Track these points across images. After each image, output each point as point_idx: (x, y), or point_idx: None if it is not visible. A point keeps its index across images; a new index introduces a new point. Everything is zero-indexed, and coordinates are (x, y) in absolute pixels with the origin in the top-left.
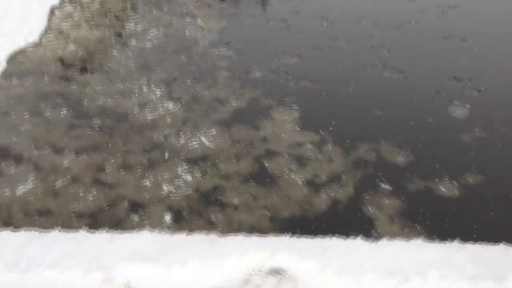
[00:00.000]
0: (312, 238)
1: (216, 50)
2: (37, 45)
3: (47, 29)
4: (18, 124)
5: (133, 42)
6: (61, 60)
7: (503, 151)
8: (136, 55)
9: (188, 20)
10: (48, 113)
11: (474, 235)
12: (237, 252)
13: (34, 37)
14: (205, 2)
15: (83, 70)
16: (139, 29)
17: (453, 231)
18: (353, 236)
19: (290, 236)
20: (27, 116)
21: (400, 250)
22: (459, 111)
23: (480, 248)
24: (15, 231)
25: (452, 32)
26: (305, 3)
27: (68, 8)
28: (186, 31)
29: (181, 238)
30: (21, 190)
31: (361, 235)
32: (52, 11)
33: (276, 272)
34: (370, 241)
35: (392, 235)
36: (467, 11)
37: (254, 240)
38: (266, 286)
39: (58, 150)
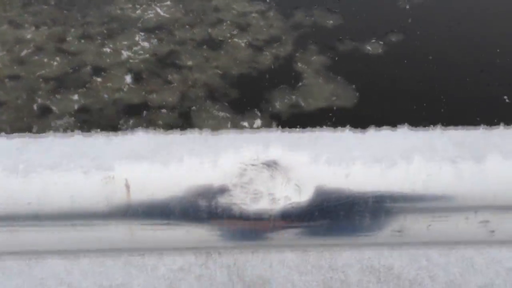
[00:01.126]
0: (302, 131)
1: None
2: None
3: None
4: None
5: None
6: None
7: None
8: None
9: None
10: None
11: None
12: (231, 147)
13: None
14: None
15: None
16: None
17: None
18: (341, 128)
19: (282, 131)
20: None
21: (386, 138)
22: None
23: (462, 132)
24: (9, 137)
25: None
26: None
27: None
28: None
29: (175, 136)
30: None
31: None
32: None
33: (269, 164)
34: (358, 131)
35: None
36: None
37: (247, 135)
38: (260, 178)
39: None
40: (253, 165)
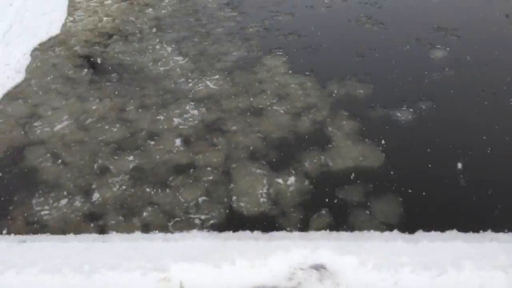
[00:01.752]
0: (350, 234)
1: (222, 12)
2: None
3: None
4: (50, 82)
5: (150, 10)
6: (84, 35)
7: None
8: (152, 20)
9: None
10: (72, 72)
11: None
12: (280, 249)
13: (56, 27)
14: None
15: (105, 36)
16: None
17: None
18: (388, 231)
19: (330, 232)
20: (58, 78)
21: (435, 242)
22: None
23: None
24: (78, 236)
25: None
26: None
27: None
28: None
29: (228, 236)
30: (58, 127)
31: (397, 229)
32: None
33: (317, 268)
34: (406, 234)
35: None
36: None
37: (296, 236)
38: (309, 282)
39: (85, 98)
40: (301, 268)
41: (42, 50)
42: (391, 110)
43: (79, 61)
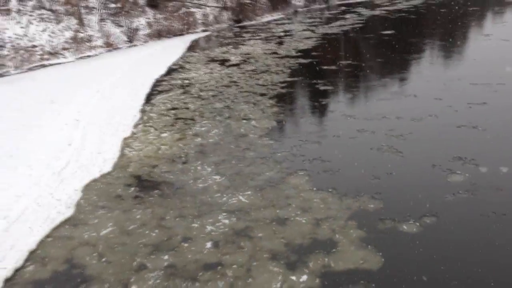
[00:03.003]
0: None
1: (259, 140)
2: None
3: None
4: (97, 201)
5: (197, 139)
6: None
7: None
8: (197, 149)
9: (243, 121)
10: (119, 190)
11: None
12: None
13: (109, 165)
14: (259, 108)
15: (154, 161)
16: (202, 128)
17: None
18: None
19: None
20: (105, 197)
21: None
22: (450, 178)
23: None
24: None
25: (467, 122)
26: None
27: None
28: (241, 129)
29: None
30: (103, 232)
31: None
32: (125, 139)
33: None
34: None
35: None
36: (495, 107)
37: None
38: None
39: (128, 211)
40: None
41: (93, 185)
42: (397, 223)
43: (127, 182)
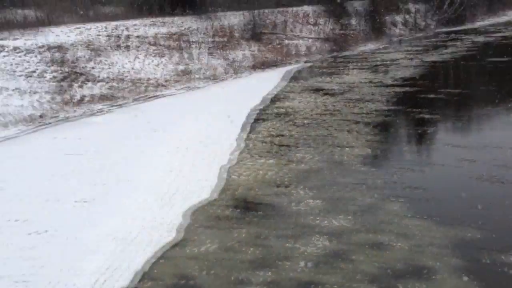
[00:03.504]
0: None
1: (356, 167)
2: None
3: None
4: (201, 220)
5: (293, 165)
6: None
7: None
8: (293, 175)
9: (339, 148)
10: (219, 212)
11: None
12: None
13: (206, 192)
14: (354, 135)
15: (252, 185)
16: (299, 155)
17: None
18: None
19: None
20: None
21: None
22: None
23: None
24: None
25: None
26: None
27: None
28: (336, 156)
29: None
30: (202, 248)
31: None
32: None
33: None
34: None
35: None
36: None
37: None
38: None
39: (229, 229)
40: None
41: (193, 209)
42: (499, 254)
43: (225, 206)
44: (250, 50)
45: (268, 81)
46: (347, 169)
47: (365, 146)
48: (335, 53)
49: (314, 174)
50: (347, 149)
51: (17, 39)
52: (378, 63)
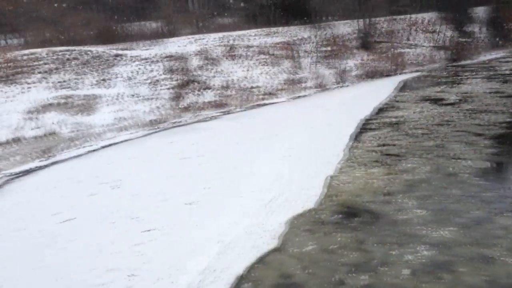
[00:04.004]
0: None
1: (470, 180)
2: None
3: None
4: (300, 233)
5: (404, 175)
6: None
7: None
8: (402, 184)
9: (453, 160)
10: (321, 217)
11: None
12: None
13: (311, 201)
14: (473, 148)
15: (358, 192)
16: (409, 165)
17: None
18: None
19: None
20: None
21: None
22: None
23: None
24: None
25: None
26: None
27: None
28: (450, 168)
29: None
30: (304, 255)
31: None
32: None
33: None
34: None
35: None
36: None
37: None
38: None
39: (330, 233)
40: None
41: (297, 218)
42: None
43: (329, 216)
44: (359, 59)
45: (379, 91)
46: (459, 181)
47: (483, 160)
48: (453, 62)
49: (423, 184)
50: (462, 161)
51: (142, 49)
52: (503, 72)
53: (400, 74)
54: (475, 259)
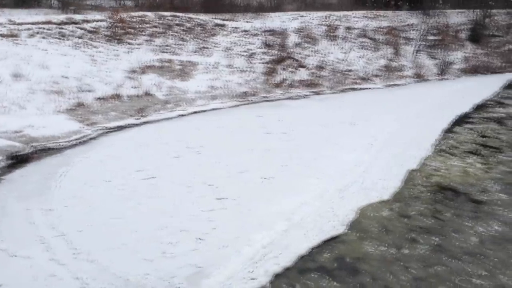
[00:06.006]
0: None
1: None
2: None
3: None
4: (370, 222)
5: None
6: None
7: None
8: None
9: None
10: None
11: None
12: None
13: (388, 194)
14: None
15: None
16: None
17: None
18: None
19: None
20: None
21: None
22: None
23: None
24: None
25: None
26: None
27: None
28: None
29: None
30: (374, 242)
31: None
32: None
33: None
34: None
35: None
36: None
37: None
38: None
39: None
40: None
41: (369, 208)
42: None
43: (403, 211)
44: (465, 52)
45: (487, 87)
46: None
47: None
48: None
49: None
50: None
51: (245, 21)
52: None
53: (511, 72)
54: None
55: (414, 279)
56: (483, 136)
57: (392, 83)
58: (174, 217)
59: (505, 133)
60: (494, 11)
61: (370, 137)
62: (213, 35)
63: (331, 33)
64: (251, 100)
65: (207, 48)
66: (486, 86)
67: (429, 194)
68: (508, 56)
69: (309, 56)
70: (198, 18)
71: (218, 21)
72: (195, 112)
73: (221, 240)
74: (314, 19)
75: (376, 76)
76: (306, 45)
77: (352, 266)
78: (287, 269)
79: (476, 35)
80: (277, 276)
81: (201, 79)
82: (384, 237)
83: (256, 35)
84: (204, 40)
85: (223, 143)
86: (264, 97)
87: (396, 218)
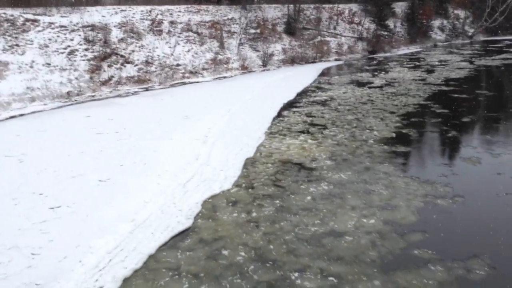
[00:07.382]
0: None
1: (377, 145)
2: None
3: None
4: (215, 213)
5: (325, 140)
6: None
7: None
8: (321, 145)
9: (367, 131)
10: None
11: None
12: None
13: (229, 183)
14: (385, 122)
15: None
16: (331, 133)
17: None
18: None
19: None
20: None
21: None
22: None
23: None
24: None
25: None
26: None
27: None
28: (363, 136)
29: None
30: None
31: None
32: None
33: None
34: None
35: None
36: None
37: None
38: None
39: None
40: None
41: (213, 199)
42: None
43: (246, 197)
44: (282, 44)
45: (304, 76)
46: (365, 145)
47: (389, 131)
48: (372, 54)
49: (337, 146)
50: (373, 131)
51: (61, 16)
52: (419, 63)
53: (322, 62)
54: (360, 191)
55: (264, 234)
56: (310, 117)
57: (220, 75)
58: (0, 235)
59: (328, 112)
60: (304, 6)
61: (205, 129)
62: (25, 31)
63: (155, 28)
64: (77, 100)
65: (18, 45)
66: (305, 75)
67: (270, 169)
68: (320, 47)
69: (134, 51)
70: (5, 13)
71: (29, 16)
72: (12, 117)
73: (59, 252)
74: (136, 13)
75: (204, 69)
76: (130, 40)
77: (211, 239)
78: (137, 271)
79: (291, 28)
80: (126, 280)
81: (15, 79)
82: (234, 209)
83: (74, 30)
84: (15, 38)
85: (48, 148)
86: (90, 96)
87: (244, 194)
